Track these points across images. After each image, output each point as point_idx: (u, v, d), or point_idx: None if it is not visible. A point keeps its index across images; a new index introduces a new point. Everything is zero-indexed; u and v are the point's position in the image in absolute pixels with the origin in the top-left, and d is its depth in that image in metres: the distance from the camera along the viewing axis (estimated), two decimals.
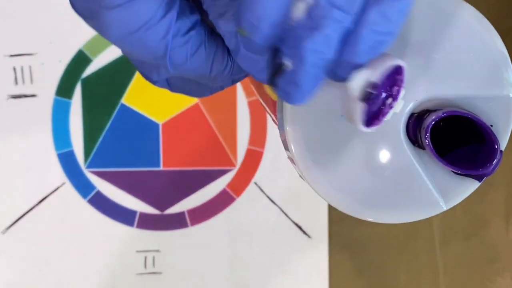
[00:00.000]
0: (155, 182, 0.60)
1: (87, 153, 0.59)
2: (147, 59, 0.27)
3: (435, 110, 0.29)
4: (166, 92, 0.60)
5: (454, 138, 0.31)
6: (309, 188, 0.32)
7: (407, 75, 0.26)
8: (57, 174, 0.59)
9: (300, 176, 0.32)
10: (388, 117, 0.26)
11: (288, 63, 0.25)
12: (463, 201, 0.63)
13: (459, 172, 0.31)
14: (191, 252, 0.60)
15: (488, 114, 0.30)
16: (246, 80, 0.32)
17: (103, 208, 0.60)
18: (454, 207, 0.63)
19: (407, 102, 0.30)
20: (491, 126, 0.30)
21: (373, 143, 0.30)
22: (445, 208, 0.32)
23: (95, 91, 0.59)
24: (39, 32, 0.59)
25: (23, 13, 0.58)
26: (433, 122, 0.29)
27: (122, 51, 0.28)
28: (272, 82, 0.26)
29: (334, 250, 0.60)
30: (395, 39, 0.25)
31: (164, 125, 0.59)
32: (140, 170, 0.59)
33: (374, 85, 0.25)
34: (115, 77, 0.59)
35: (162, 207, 0.60)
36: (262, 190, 0.60)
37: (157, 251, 0.60)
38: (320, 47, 0.24)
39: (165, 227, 0.60)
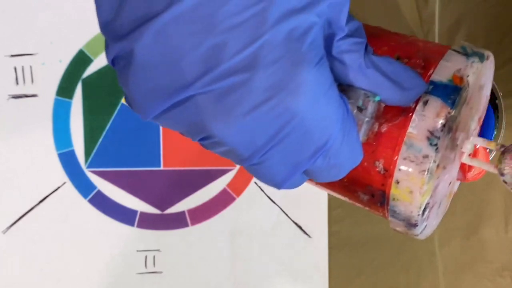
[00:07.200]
0: (156, 181, 0.60)
1: (87, 153, 0.59)
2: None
3: None
4: None
5: None
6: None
7: None
8: (58, 174, 0.59)
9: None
10: None
11: None
12: (463, 200, 0.64)
13: None
14: (191, 251, 0.60)
15: None
16: None
17: (104, 208, 0.60)
18: (454, 206, 0.63)
19: None
20: None
21: None
22: None
23: (95, 91, 0.59)
24: (40, 32, 0.59)
25: (24, 13, 0.58)
26: None
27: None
28: None
29: (334, 249, 0.60)
30: None
31: None
32: (140, 170, 0.59)
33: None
34: (116, 77, 0.59)
35: (162, 207, 0.60)
36: (262, 190, 0.60)
37: (158, 250, 0.60)
38: None
39: (166, 227, 0.60)
